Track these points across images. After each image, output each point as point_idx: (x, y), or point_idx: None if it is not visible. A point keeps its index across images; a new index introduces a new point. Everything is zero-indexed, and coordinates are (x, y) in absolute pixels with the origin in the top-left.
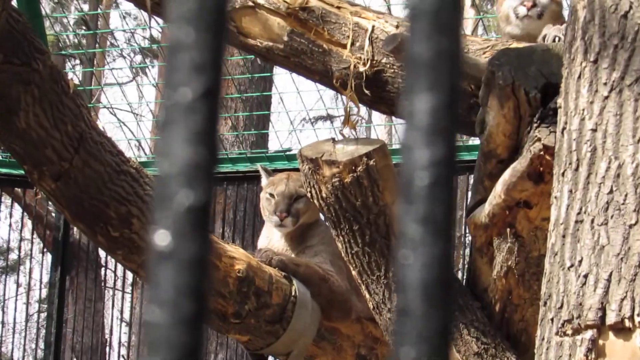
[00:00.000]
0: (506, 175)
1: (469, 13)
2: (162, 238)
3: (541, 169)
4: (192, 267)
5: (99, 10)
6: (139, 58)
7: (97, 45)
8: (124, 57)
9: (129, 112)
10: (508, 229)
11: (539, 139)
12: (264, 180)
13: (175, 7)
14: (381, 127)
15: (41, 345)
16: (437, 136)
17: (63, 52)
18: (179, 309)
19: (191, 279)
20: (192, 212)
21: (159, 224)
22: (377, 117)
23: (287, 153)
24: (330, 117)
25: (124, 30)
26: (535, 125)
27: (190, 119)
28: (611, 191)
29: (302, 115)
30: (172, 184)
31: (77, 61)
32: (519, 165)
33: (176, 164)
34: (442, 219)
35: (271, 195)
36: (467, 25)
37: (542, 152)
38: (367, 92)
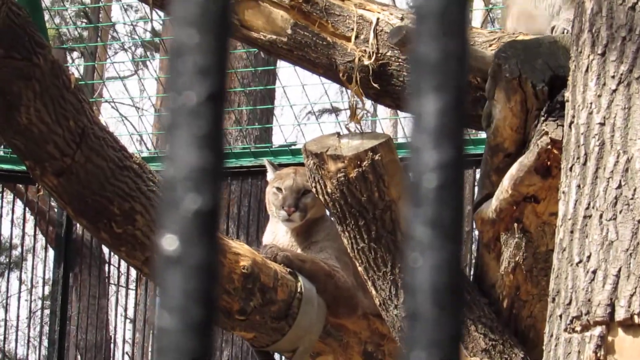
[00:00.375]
0: (513, 170)
1: (477, 4)
2: (169, 243)
3: (549, 163)
4: (201, 272)
5: (100, 4)
6: (140, 51)
7: (98, 39)
8: (126, 51)
9: (131, 106)
10: (515, 224)
11: (547, 133)
12: (270, 175)
13: (178, 9)
14: (387, 120)
15: (45, 342)
16: (444, 138)
17: (64, 46)
18: (188, 314)
19: (200, 284)
20: (199, 217)
21: (166, 228)
22: (383, 111)
23: (292, 147)
24: (335, 111)
25: (124, 24)
26: (542, 118)
27: (195, 123)
28: (620, 186)
29: (306, 109)
30: (179, 189)
31: (79, 54)
32: (526, 159)
33: (182, 169)
34: (451, 222)
35: (278, 189)
36: (476, 18)
37: (549, 146)
38: (375, 85)
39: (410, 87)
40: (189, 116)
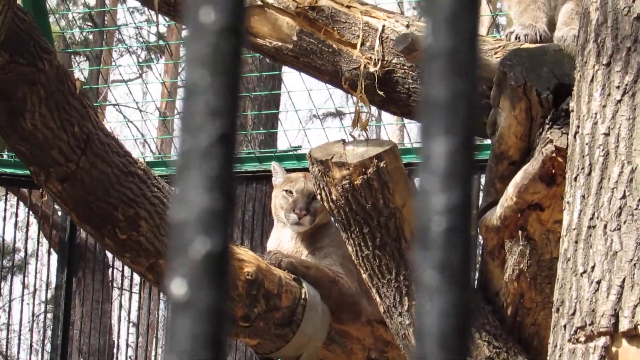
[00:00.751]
0: (518, 178)
1: (483, 11)
2: (178, 286)
3: (553, 171)
4: (210, 316)
5: (106, 8)
6: (145, 54)
7: (103, 42)
8: (131, 54)
9: (135, 109)
10: (520, 232)
11: (551, 141)
12: (279, 178)
13: (190, 50)
14: (392, 125)
15: (48, 347)
16: (453, 180)
17: (69, 50)
18: (196, 359)
19: (209, 328)
20: (209, 260)
21: (175, 272)
22: (388, 116)
23: (297, 152)
24: (340, 114)
25: (127, 25)
26: (547, 126)
27: (206, 164)
28: (624, 196)
29: (312, 113)
30: (188, 231)
31: (84, 57)
32: (531, 167)
33: (192, 211)
34: (459, 266)
35: (288, 192)
36: (483, 24)
37: (554, 154)
38: (380, 92)
39: (420, 129)
40: (200, 157)
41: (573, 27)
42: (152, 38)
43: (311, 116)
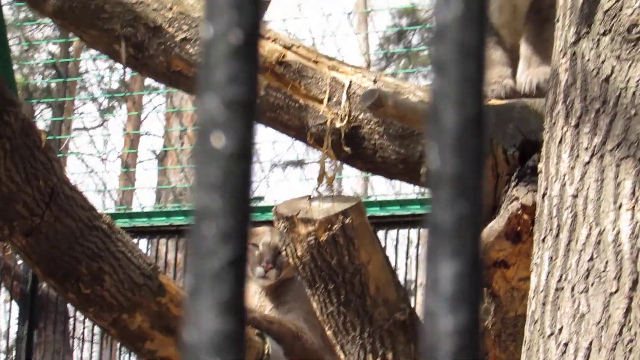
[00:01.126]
0: (483, 235)
1: None
2: None
3: (519, 228)
4: None
5: (70, 59)
6: (107, 101)
7: (66, 90)
8: (93, 101)
9: (97, 157)
10: (485, 289)
11: (517, 198)
12: None
13: (200, 173)
14: (355, 178)
15: None
16: (461, 303)
17: (32, 100)
18: None
19: None
20: None
21: None
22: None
23: (259, 204)
24: (301, 163)
25: (88, 72)
26: (513, 183)
27: (217, 288)
28: (592, 258)
29: (275, 163)
30: (201, 355)
31: (45, 105)
32: (497, 224)
33: (205, 334)
34: None
35: (254, 245)
36: None
37: (519, 212)
38: (347, 148)
39: (427, 252)
40: (211, 281)
41: (541, 71)
42: (115, 85)
43: (272, 166)
